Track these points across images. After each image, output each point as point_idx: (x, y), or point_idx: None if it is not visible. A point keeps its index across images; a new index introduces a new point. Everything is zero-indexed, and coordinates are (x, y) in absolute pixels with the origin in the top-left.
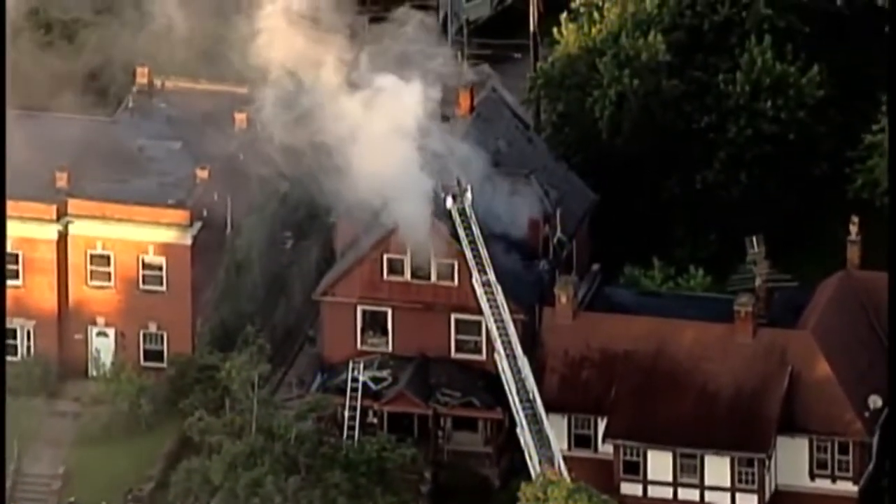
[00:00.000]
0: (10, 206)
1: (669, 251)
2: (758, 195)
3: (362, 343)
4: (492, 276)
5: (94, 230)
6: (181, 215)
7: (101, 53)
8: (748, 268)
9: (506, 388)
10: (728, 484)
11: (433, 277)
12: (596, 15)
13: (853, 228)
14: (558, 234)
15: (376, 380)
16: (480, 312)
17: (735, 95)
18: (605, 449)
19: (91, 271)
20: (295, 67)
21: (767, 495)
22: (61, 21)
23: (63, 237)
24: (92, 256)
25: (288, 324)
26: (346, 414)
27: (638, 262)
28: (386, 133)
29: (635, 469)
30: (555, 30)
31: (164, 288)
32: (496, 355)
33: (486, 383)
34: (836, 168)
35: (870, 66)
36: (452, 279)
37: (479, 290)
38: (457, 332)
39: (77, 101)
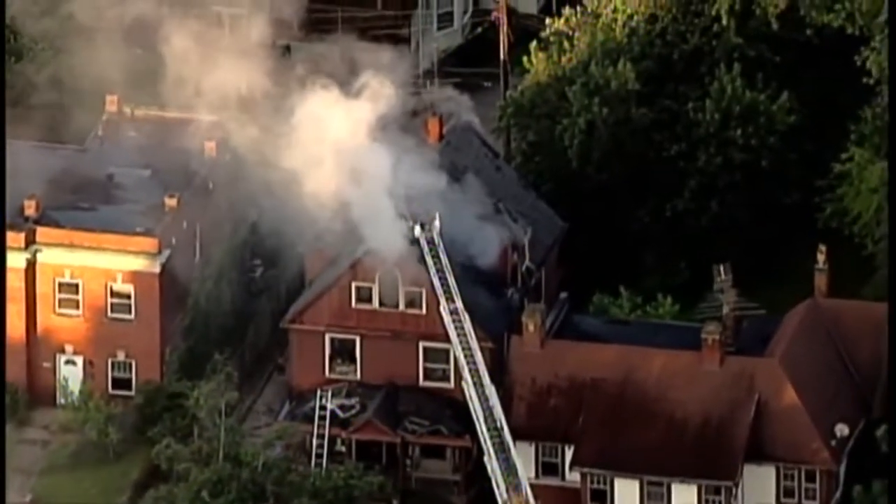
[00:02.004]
0: None
1: (640, 280)
2: (728, 223)
3: (331, 371)
4: (460, 305)
5: (62, 258)
6: (150, 243)
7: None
8: (716, 296)
9: (473, 415)
10: None
11: (401, 305)
12: (566, 44)
13: (821, 257)
14: (527, 262)
15: (344, 408)
16: (449, 340)
17: (705, 124)
18: (573, 477)
19: (59, 299)
20: (254, 96)
21: None
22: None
23: (31, 265)
24: (60, 284)
25: (258, 352)
26: (314, 442)
27: (608, 291)
28: (353, 162)
29: (602, 497)
30: (525, 59)
31: (132, 316)
32: (464, 383)
33: (455, 411)
34: (807, 196)
35: (839, 96)
36: (421, 307)
37: (447, 319)
38: (425, 360)
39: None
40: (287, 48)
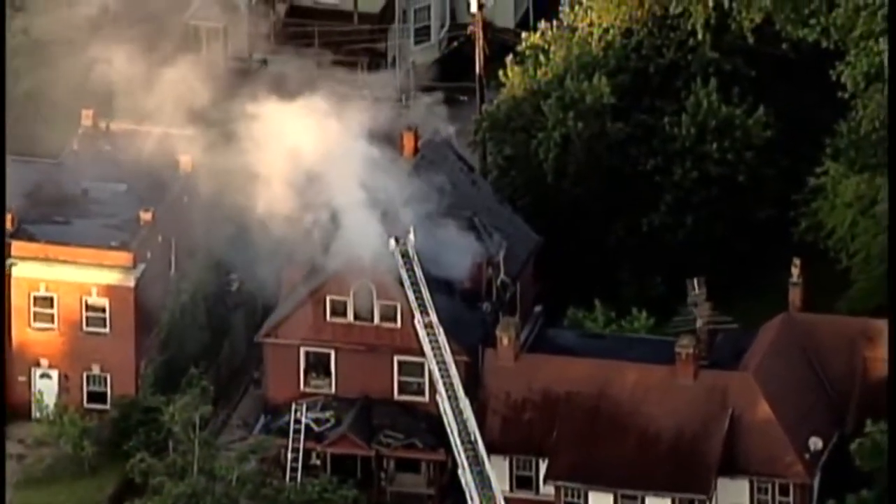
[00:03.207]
0: None
1: (615, 294)
2: (704, 238)
3: (305, 385)
4: (434, 318)
5: (37, 272)
6: (125, 257)
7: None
8: (690, 310)
9: (448, 429)
10: None
11: (376, 319)
12: (541, 58)
13: (795, 271)
14: (502, 276)
15: (319, 421)
16: (423, 354)
17: (681, 138)
18: (547, 490)
19: (34, 313)
20: (228, 109)
21: None
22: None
23: (6, 279)
24: (35, 298)
25: (233, 366)
26: (289, 455)
27: (583, 305)
28: (327, 175)
29: None
30: (501, 72)
31: (107, 330)
32: (438, 397)
33: (429, 425)
34: (782, 211)
35: (815, 110)
36: (395, 321)
37: (422, 332)
38: (400, 373)
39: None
40: (264, 62)
